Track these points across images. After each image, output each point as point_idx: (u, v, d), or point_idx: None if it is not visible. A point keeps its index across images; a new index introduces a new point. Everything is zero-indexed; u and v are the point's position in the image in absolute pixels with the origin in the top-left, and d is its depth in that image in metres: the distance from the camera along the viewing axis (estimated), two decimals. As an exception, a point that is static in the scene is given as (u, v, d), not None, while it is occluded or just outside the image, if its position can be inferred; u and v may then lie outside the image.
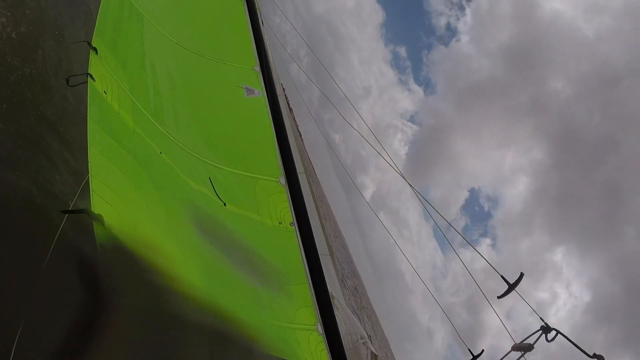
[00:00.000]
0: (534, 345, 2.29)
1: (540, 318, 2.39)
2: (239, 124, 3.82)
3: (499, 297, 2.66)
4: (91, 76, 2.92)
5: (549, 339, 2.30)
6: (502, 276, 2.70)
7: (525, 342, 2.33)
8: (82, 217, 2.37)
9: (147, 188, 2.88)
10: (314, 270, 3.04)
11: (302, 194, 3.44)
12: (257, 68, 4.32)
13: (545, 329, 2.34)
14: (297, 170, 3.61)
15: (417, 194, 3.69)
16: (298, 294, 2.90)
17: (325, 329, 2.78)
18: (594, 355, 2.06)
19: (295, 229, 3.25)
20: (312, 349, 2.64)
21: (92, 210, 2.44)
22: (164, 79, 3.80)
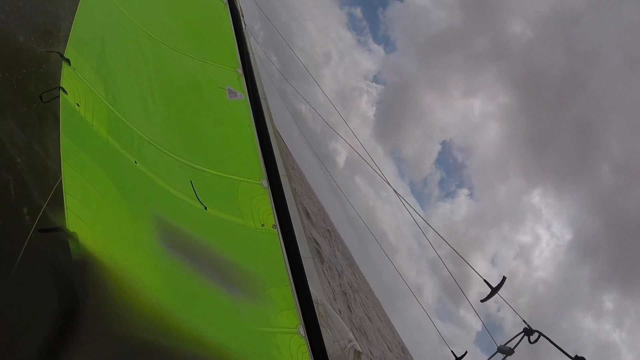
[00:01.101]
0: (514, 350, 2.33)
1: (523, 320, 2.43)
2: (221, 126, 3.80)
3: (482, 301, 2.71)
4: (63, 89, 2.89)
5: (532, 340, 2.35)
6: (485, 280, 2.75)
7: (508, 344, 2.37)
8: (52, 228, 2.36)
9: (117, 203, 2.85)
10: (296, 272, 3.04)
11: (284, 196, 3.44)
12: (240, 70, 4.31)
13: (528, 331, 2.38)
14: (280, 173, 3.62)
15: (394, 190, 3.72)
16: (279, 296, 2.89)
17: (308, 331, 2.77)
18: (576, 357, 2.11)
19: (277, 231, 3.25)
20: (293, 352, 2.63)
21: (67, 227, 2.42)
22: (144, 80, 3.76)
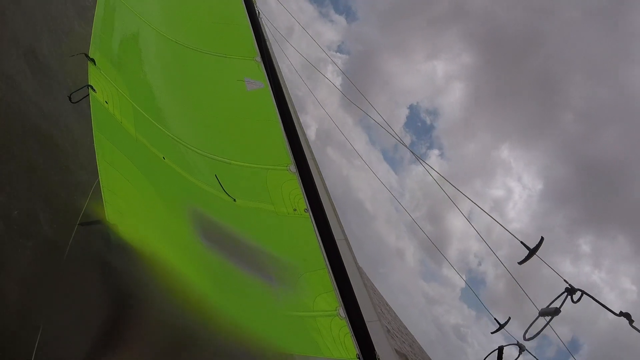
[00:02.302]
0: (561, 309, 2.21)
1: (564, 280, 2.30)
2: (244, 117, 3.80)
3: (519, 263, 2.58)
4: (92, 87, 2.95)
5: (575, 300, 2.22)
6: (522, 242, 2.61)
7: (551, 306, 2.25)
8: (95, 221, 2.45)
9: (151, 197, 2.92)
10: (332, 255, 3.02)
11: (313, 179, 3.41)
12: (258, 58, 4.28)
13: (570, 290, 2.26)
14: (307, 157, 3.58)
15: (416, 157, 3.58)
16: (316, 280, 2.89)
17: (348, 312, 2.76)
18: (621, 313, 1.99)
19: (309, 214, 3.23)
20: (335, 334, 2.62)
21: (107, 220, 2.51)
22: (166, 80, 3.81)
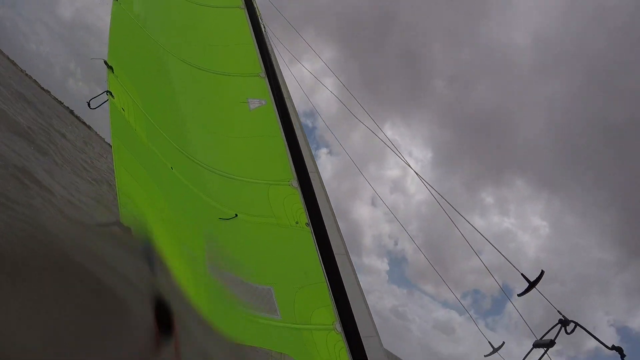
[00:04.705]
0: (556, 341, 2.18)
1: (558, 311, 2.26)
2: (247, 133, 3.88)
3: (519, 295, 2.54)
4: (111, 94, 3.09)
5: (569, 331, 2.19)
6: (522, 274, 2.59)
7: (545, 337, 2.22)
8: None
9: (160, 204, 3.04)
10: (330, 269, 3.04)
11: (314, 194, 3.44)
12: (263, 74, 4.35)
13: (564, 322, 2.23)
14: (309, 170, 3.61)
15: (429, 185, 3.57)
16: (315, 294, 2.93)
17: (344, 327, 2.78)
18: (613, 347, 1.97)
19: (310, 229, 3.27)
20: (330, 349, 2.65)
21: (121, 222, 2.66)
22: (172, 94, 3.94)
